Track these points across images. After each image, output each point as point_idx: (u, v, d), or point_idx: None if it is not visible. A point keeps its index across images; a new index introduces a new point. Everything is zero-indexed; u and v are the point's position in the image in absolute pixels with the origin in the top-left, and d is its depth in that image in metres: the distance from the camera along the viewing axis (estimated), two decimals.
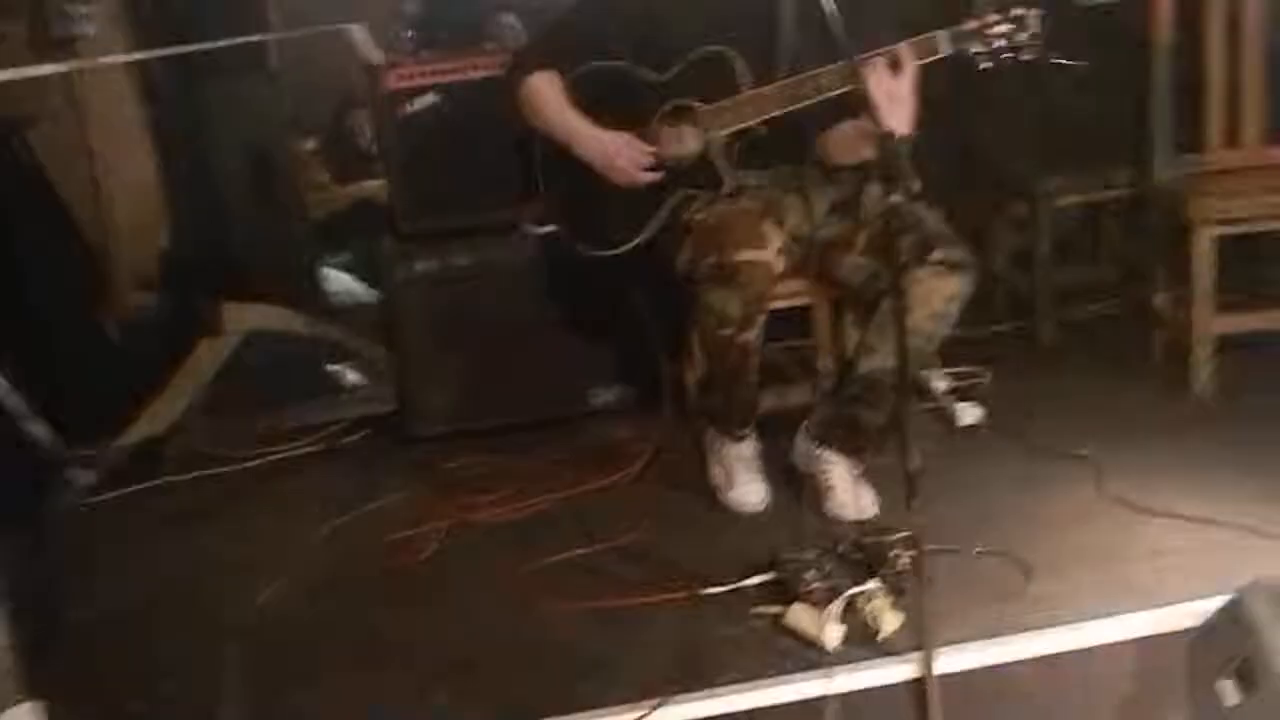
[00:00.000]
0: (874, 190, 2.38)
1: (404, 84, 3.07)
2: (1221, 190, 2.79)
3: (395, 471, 3.05)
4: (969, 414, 2.80)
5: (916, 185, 1.81)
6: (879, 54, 2.19)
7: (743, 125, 2.38)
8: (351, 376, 4.03)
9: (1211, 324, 2.78)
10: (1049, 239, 3.34)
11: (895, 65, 2.17)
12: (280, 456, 3.22)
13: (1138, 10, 2.99)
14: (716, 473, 2.60)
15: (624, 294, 3.07)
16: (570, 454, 2.99)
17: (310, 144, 6.25)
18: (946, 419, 2.82)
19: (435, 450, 3.11)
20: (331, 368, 4.02)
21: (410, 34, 3.54)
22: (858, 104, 2.21)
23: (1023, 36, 2.19)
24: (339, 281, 5.36)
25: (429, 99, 3.07)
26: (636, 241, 2.51)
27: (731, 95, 2.38)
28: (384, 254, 3.21)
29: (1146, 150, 3.16)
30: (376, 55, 3.37)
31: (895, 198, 1.80)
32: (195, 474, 3.13)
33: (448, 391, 3.19)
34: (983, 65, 2.21)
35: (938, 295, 2.26)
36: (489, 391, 3.18)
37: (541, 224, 2.68)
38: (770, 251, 2.24)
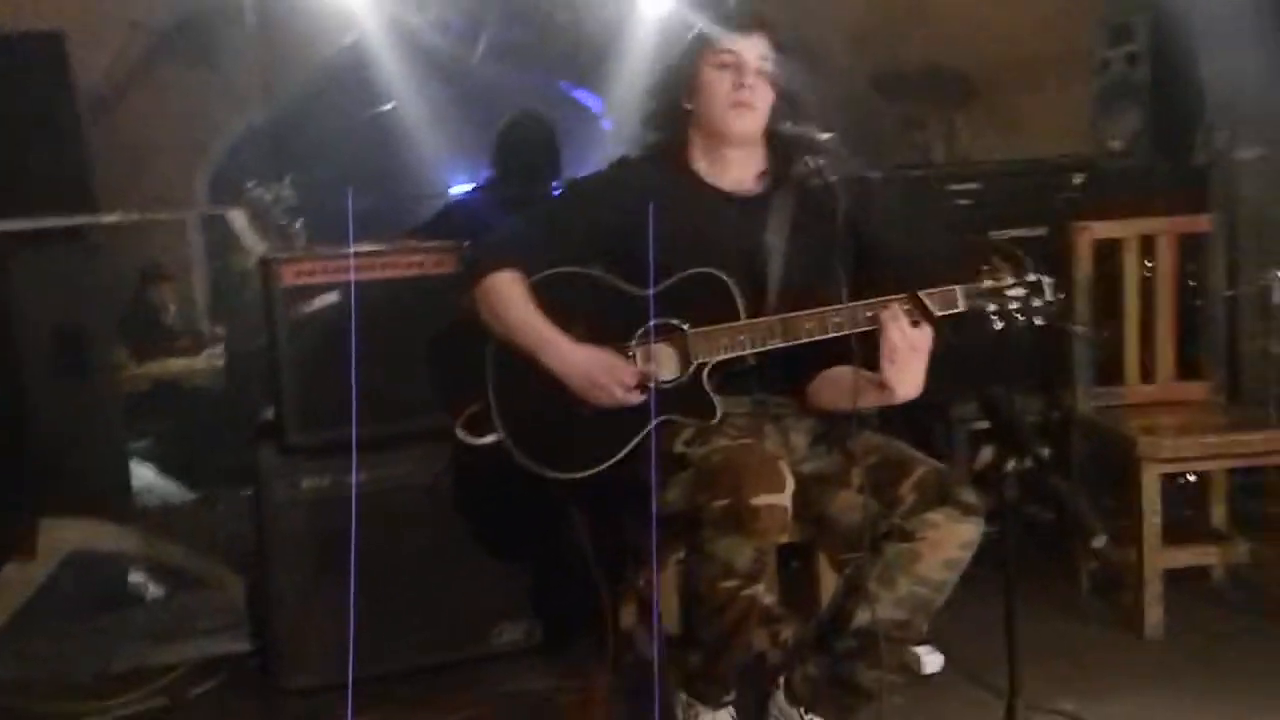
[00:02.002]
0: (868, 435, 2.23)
1: (302, 280, 2.71)
2: (1156, 426, 2.80)
3: None
4: (931, 661, 2.61)
5: (1045, 452, 1.63)
6: (896, 300, 2.08)
7: (736, 354, 2.19)
8: (153, 590, 3.49)
9: (1159, 561, 2.73)
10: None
11: (919, 315, 2.06)
12: (112, 716, 2.64)
13: (1057, 247, 3.04)
14: None
15: (546, 519, 2.77)
16: (477, 709, 2.60)
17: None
18: (908, 666, 2.61)
19: (308, 706, 2.64)
20: (134, 579, 3.46)
21: (300, 222, 3.20)
22: (852, 346, 2.09)
23: (1037, 301, 2.12)
24: (140, 477, 4.74)
25: (330, 298, 2.72)
26: (604, 466, 2.23)
27: (722, 320, 2.19)
28: (262, 468, 2.76)
29: (1057, 380, 3.19)
30: (258, 244, 3.00)
31: (1012, 464, 1.61)
32: None
33: (326, 633, 2.73)
34: (997, 326, 2.11)
35: (952, 541, 2.08)
36: (376, 632, 2.75)
37: (481, 434, 2.35)
38: (787, 495, 2.01)
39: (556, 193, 2.38)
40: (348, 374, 2.74)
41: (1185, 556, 2.87)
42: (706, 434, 2.16)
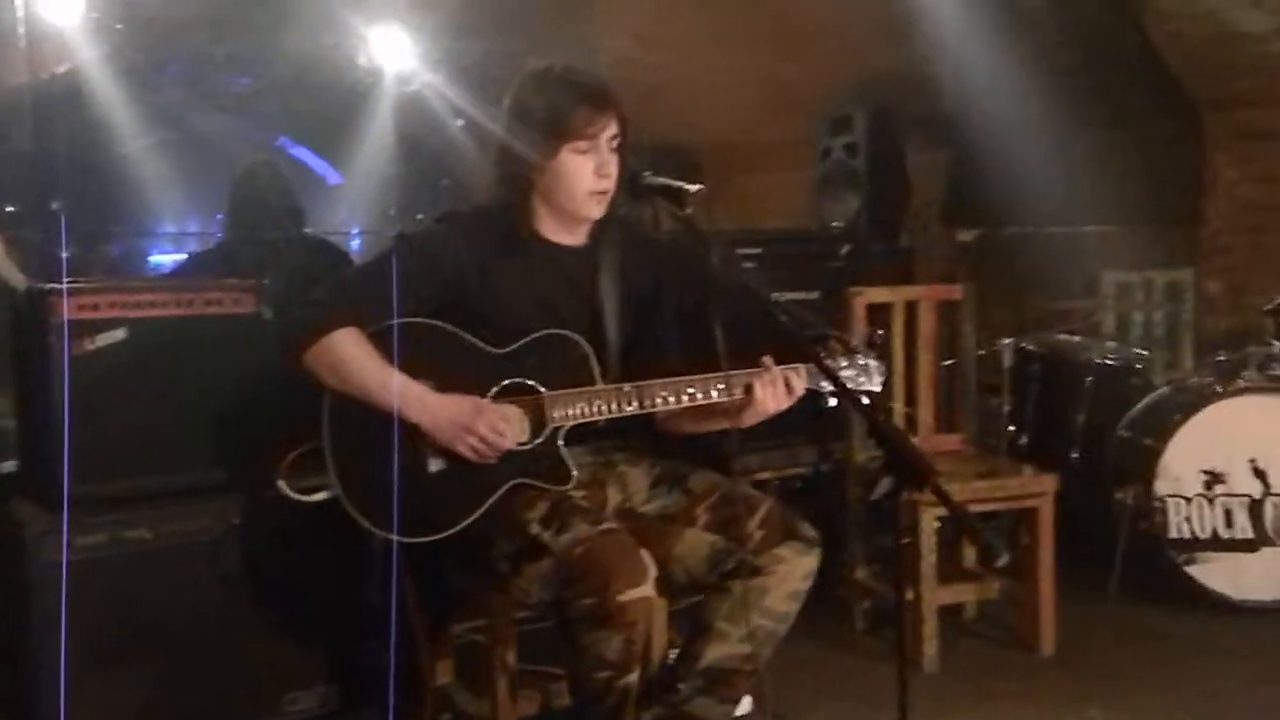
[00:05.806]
0: (702, 473, 2.31)
1: (85, 315, 2.45)
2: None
3: None
4: (742, 703, 2.67)
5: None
6: (752, 373, 2.18)
7: (592, 419, 2.19)
8: None
9: (934, 598, 2.97)
10: None
11: (790, 384, 2.19)
12: None
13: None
14: None
15: (343, 577, 2.64)
16: None
17: None
18: None
19: None
20: None
21: (66, 255, 2.88)
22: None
23: (864, 381, 2.26)
24: None
25: (117, 335, 2.48)
26: (455, 530, 2.14)
27: (574, 382, 2.19)
28: (19, 525, 2.45)
29: (828, 433, 3.43)
30: (15, 274, 2.70)
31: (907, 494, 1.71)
32: None
33: (107, 706, 2.45)
34: (830, 403, 2.24)
35: (798, 573, 2.17)
36: (158, 701, 2.49)
37: (309, 492, 2.21)
38: (650, 584, 2.01)
39: (391, 245, 2.27)
40: (133, 419, 2.53)
41: (951, 594, 3.13)
42: (560, 515, 2.11)
